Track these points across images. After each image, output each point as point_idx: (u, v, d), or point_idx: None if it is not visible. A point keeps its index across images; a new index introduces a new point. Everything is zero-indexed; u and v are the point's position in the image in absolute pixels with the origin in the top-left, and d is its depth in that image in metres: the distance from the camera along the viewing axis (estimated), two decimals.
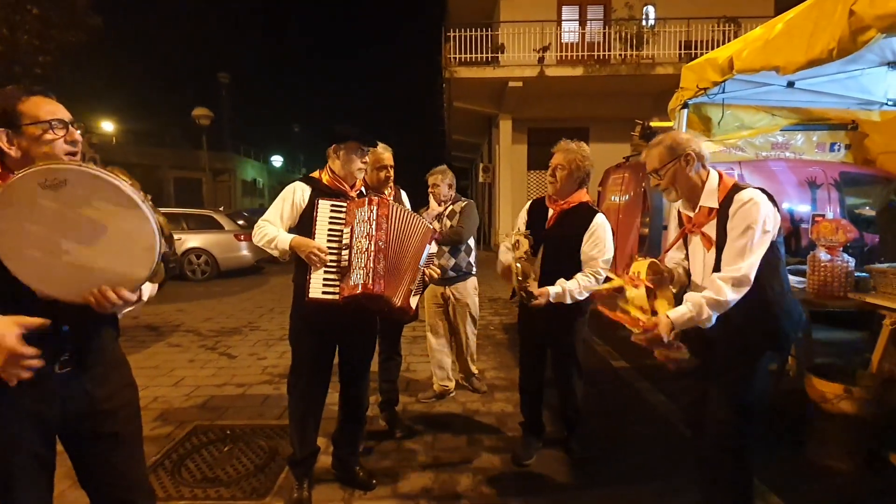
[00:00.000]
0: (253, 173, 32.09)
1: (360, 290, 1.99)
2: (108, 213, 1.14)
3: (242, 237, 9.51)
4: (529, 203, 2.65)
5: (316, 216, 2.05)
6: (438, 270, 2.34)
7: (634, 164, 5.39)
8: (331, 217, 2.07)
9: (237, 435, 2.95)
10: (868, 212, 4.81)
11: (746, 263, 1.64)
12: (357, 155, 2.17)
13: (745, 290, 1.65)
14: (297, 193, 2.17)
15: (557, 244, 2.41)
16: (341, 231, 2.06)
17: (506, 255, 2.46)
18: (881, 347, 2.65)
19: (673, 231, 2.04)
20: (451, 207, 3.27)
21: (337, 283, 2.02)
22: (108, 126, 21.23)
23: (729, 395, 1.80)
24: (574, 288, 2.28)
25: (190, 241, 9.21)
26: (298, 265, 2.16)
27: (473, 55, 11.83)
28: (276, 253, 2.13)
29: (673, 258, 1.98)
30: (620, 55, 11.63)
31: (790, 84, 3.74)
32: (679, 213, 1.96)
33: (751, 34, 3.22)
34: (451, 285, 3.31)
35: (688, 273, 1.94)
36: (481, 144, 18.26)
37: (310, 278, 2.01)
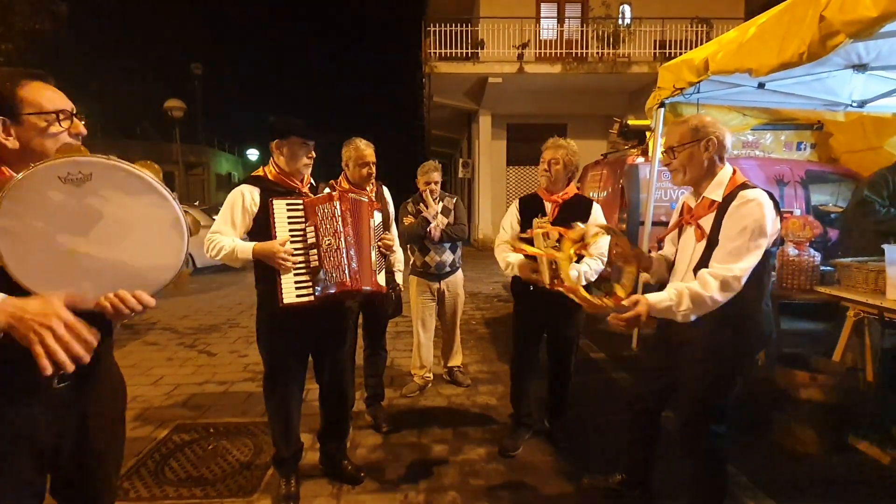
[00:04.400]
0: (227, 167, 31.38)
1: (338, 289, 1.98)
2: (135, 211, 1.05)
3: None
4: (518, 200, 2.69)
5: (273, 219, 1.95)
6: (391, 238, 2.38)
7: (612, 160, 5.51)
8: (289, 217, 1.98)
9: (221, 432, 2.93)
10: (832, 208, 5.02)
11: (739, 266, 1.58)
12: (302, 151, 2.07)
13: (732, 294, 1.59)
14: (245, 197, 2.05)
15: None
16: (303, 230, 1.99)
17: (511, 255, 2.47)
18: (845, 337, 2.81)
19: (672, 223, 2.01)
20: (443, 203, 3.30)
21: (309, 283, 1.96)
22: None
23: (694, 400, 1.81)
24: (586, 270, 2.35)
25: None
26: (260, 272, 2.06)
27: (453, 50, 11.82)
28: (237, 265, 2.05)
29: (664, 252, 2.01)
30: (597, 53, 11.80)
31: (761, 85, 3.88)
32: (684, 204, 1.93)
33: (724, 37, 3.33)
34: (445, 279, 3.39)
35: (669, 268, 1.99)
36: (460, 140, 18.28)
37: (281, 283, 1.93)
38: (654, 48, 11.75)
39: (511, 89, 12.09)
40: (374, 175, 2.78)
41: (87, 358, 0.93)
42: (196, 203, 15.10)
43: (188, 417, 3.15)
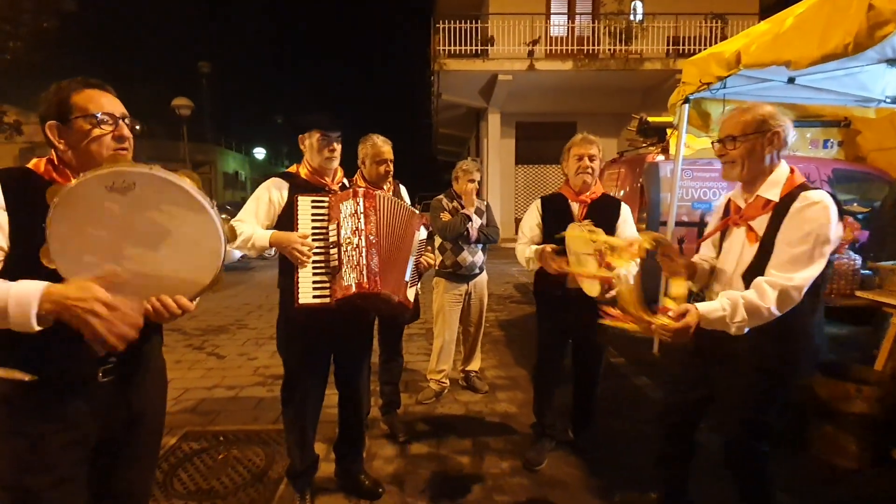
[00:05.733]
0: (234, 165, 31.42)
1: (354, 290, 1.84)
2: (175, 218, 1.09)
3: None
4: (540, 200, 2.54)
5: (296, 214, 1.88)
6: (433, 258, 2.20)
7: (631, 158, 5.36)
8: (313, 214, 1.90)
9: (231, 441, 2.82)
10: (859, 208, 4.85)
11: (801, 275, 1.44)
12: (322, 144, 1.98)
13: (791, 307, 1.46)
14: (272, 191, 2.01)
15: None
16: (326, 228, 1.90)
17: (529, 248, 2.35)
18: (888, 345, 2.65)
19: (713, 224, 1.88)
20: (475, 204, 3.25)
21: (327, 284, 1.86)
22: None
23: (738, 417, 1.68)
24: (623, 274, 2.20)
25: None
26: (283, 269, 2.01)
27: (462, 47, 11.68)
28: (253, 253, 1.98)
29: (702, 255, 1.88)
30: (609, 50, 11.62)
31: (791, 80, 3.73)
32: (729, 202, 1.77)
33: (755, 29, 3.18)
34: (472, 280, 3.36)
35: (711, 273, 1.86)
36: (468, 138, 18.16)
37: (297, 282, 1.84)
38: (668, 45, 11.56)
39: (521, 87, 11.94)
40: (391, 173, 2.66)
41: (132, 334, 1.01)
42: None
43: (197, 424, 3.05)
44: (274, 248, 1.91)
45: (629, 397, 3.43)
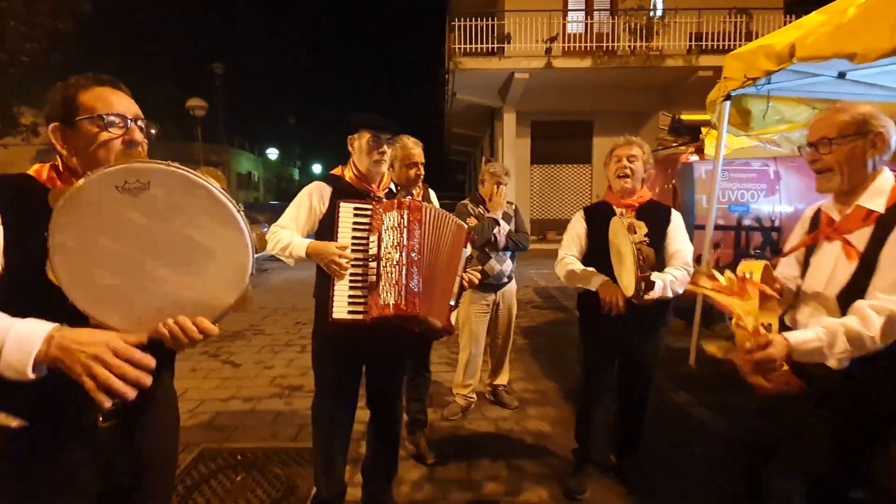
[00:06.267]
0: (248, 166, 31.59)
1: (391, 310, 1.70)
2: (200, 226, 0.92)
3: None
4: (583, 211, 2.33)
5: (337, 222, 1.76)
6: (479, 275, 2.01)
7: (662, 158, 5.11)
8: (355, 223, 1.77)
9: (250, 461, 2.66)
10: None
11: None
12: (372, 146, 1.87)
13: None
14: (314, 195, 1.91)
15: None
16: (367, 239, 1.77)
17: (575, 264, 2.20)
18: None
19: (798, 237, 1.66)
20: (503, 209, 3.07)
21: (364, 300, 1.73)
22: None
23: (831, 462, 1.45)
24: (672, 280, 2.02)
25: None
26: (320, 279, 1.90)
27: (478, 45, 11.47)
28: (290, 262, 1.87)
29: (781, 273, 1.66)
30: (629, 46, 11.33)
31: (841, 75, 3.49)
32: (819, 211, 1.57)
33: (809, 19, 2.94)
34: (501, 290, 3.18)
35: (797, 294, 1.64)
36: (482, 138, 17.93)
37: (333, 295, 1.72)
38: (689, 41, 11.24)
39: (537, 85, 11.70)
40: (422, 176, 2.49)
41: (147, 381, 0.86)
42: None
43: (213, 440, 2.89)
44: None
45: (671, 416, 3.20)
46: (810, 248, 1.55)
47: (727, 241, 4.41)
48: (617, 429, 2.47)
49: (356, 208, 1.78)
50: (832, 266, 1.44)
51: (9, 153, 12.11)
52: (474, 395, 3.27)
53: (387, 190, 1.99)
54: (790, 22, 11.08)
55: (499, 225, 3.00)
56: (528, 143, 13.64)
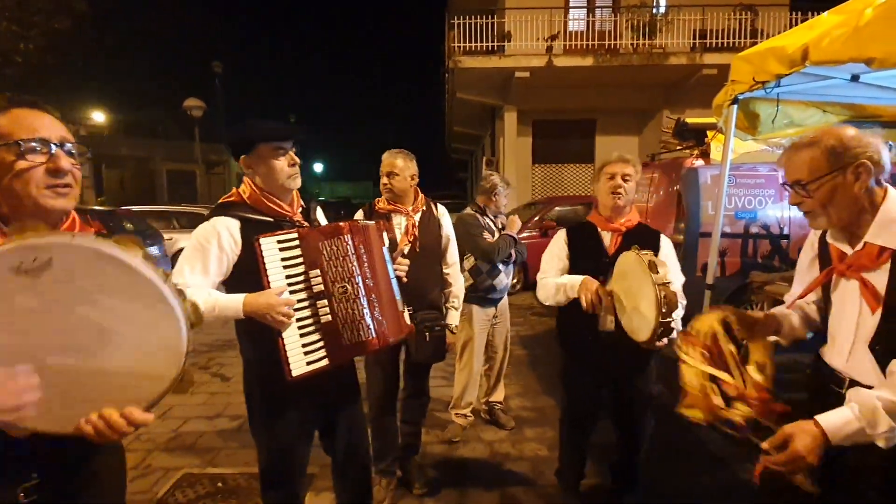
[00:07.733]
0: None
1: (367, 349, 1.57)
2: (116, 310, 0.83)
3: None
4: (565, 231, 2.13)
5: (262, 263, 1.44)
6: (405, 265, 1.86)
7: (665, 162, 4.96)
8: (283, 258, 1.48)
9: (231, 489, 2.54)
10: None
11: None
12: (279, 159, 1.56)
13: None
14: (223, 236, 1.51)
15: None
16: (305, 274, 1.51)
17: (560, 279, 2.03)
18: None
19: (807, 268, 1.48)
20: (501, 220, 3.10)
21: (320, 343, 1.51)
22: (99, 117, 20.49)
23: None
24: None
25: (182, 241, 8.73)
26: (248, 335, 1.59)
27: (478, 44, 11.29)
28: (215, 322, 1.48)
29: (794, 294, 1.49)
30: (631, 44, 11.12)
31: (854, 78, 3.32)
32: (822, 241, 1.40)
33: (822, 20, 2.77)
34: (499, 304, 3.11)
35: (808, 322, 1.48)
36: (482, 137, 17.75)
37: (284, 349, 1.45)
38: (693, 38, 11.01)
39: (538, 84, 11.50)
40: (410, 189, 2.31)
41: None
42: None
43: (196, 465, 2.77)
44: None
45: (674, 436, 3.05)
46: (830, 282, 1.39)
47: (734, 249, 4.25)
48: (613, 455, 2.33)
49: (279, 241, 1.49)
50: (857, 309, 1.26)
51: None
52: (472, 415, 3.14)
53: (301, 209, 1.70)
54: (796, 19, 10.91)
55: (517, 243, 2.98)
56: (529, 143, 13.43)
